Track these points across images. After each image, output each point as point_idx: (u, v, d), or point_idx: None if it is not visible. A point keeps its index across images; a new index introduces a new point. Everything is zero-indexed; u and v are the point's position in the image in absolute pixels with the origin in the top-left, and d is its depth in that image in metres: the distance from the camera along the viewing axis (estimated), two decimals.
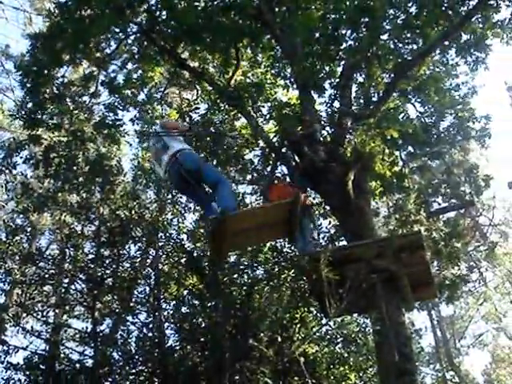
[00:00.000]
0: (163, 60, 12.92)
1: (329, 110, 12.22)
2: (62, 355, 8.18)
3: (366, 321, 9.15)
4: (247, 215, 7.06)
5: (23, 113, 11.90)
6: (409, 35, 11.18)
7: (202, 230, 9.10)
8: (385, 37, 11.13)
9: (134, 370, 7.86)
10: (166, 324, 8.27)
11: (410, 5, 10.83)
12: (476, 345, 27.03)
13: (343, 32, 10.82)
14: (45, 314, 9.03)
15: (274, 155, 11.57)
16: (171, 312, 8.47)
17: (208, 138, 11.78)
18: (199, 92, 14.46)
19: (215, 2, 12.01)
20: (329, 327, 8.40)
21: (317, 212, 11.75)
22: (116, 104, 12.85)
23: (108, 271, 8.80)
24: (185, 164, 7.17)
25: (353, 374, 8.35)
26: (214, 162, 12.17)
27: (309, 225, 9.81)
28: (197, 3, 11.93)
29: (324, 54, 10.66)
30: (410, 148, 13.16)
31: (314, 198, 11.45)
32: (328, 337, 8.40)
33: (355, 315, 9.39)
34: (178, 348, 7.95)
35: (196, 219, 9.76)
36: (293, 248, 9.38)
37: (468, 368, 25.94)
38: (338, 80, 11.76)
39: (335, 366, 8.15)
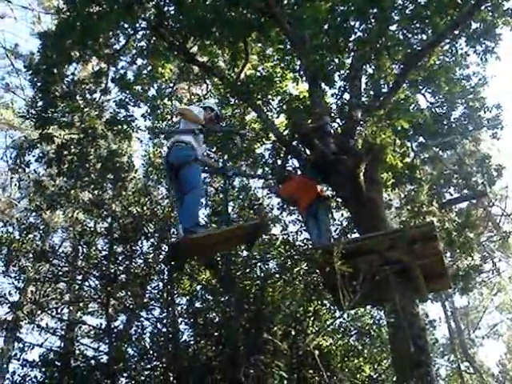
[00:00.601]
0: (172, 55, 12.95)
1: (339, 102, 12.21)
2: (77, 352, 8.19)
3: (380, 313, 9.13)
4: (207, 238, 6.95)
5: (34, 112, 11.97)
6: (418, 25, 11.10)
7: (214, 225, 9.10)
8: (394, 27, 11.08)
9: (148, 366, 7.87)
10: (180, 319, 8.26)
11: None
12: (491, 335, 26.92)
13: (352, 24, 10.76)
14: (59, 311, 9.04)
15: (284, 148, 11.58)
16: (185, 307, 8.46)
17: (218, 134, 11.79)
18: (209, 87, 14.49)
19: None
20: (343, 320, 8.37)
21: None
22: (127, 100, 12.92)
23: (121, 267, 8.81)
24: (170, 157, 7.16)
25: (367, 366, 8.34)
26: (225, 157, 12.20)
27: (324, 217, 9.82)
28: None
29: (333, 46, 10.61)
30: (421, 139, 13.11)
31: (325, 191, 11.44)
32: (342, 329, 8.37)
33: (369, 307, 9.37)
34: (192, 343, 7.95)
35: (208, 214, 9.77)
36: (305, 241, 9.38)
37: (483, 359, 25.86)
38: (347, 72, 11.73)
39: (349, 358, 8.13)
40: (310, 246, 8.76)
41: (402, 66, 10.89)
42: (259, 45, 13.60)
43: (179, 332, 8.12)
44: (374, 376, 8.46)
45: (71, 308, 10.41)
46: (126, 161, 10.92)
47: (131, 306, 8.69)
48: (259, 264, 8.51)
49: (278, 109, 13.07)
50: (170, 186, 8.11)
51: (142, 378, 7.79)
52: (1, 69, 20.72)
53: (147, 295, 8.71)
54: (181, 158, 7.06)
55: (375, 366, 8.47)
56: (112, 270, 8.70)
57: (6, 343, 13.03)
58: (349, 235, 11.53)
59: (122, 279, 8.75)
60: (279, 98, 13.25)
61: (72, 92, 12.43)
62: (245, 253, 8.60)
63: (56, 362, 7.79)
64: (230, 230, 7.14)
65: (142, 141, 14.52)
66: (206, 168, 8.11)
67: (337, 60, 11.32)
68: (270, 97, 13.09)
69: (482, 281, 19.61)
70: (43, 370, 7.69)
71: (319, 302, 7.99)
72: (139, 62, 13.45)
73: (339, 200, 11.56)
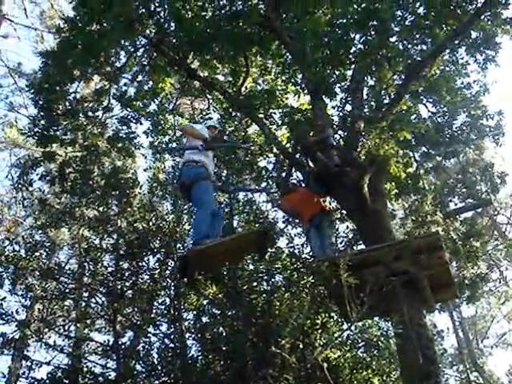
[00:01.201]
0: (173, 71, 13.02)
1: (341, 114, 12.25)
2: (85, 369, 8.15)
3: (388, 324, 9.08)
4: (214, 248, 7.08)
5: (37, 130, 12.03)
6: (418, 36, 11.16)
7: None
8: (394, 39, 11.13)
9: (156, 382, 7.84)
10: (188, 334, 8.25)
11: (417, 5, 10.82)
12: (499, 345, 26.77)
13: (352, 36, 10.82)
14: (66, 328, 9.04)
15: (287, 161, 11.60)
16: (192, 322, 8.44)
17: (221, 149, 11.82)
18: (211, 101, 14.55)
19: (222, 11, 12.11)
20: (350, 332, 8.31)
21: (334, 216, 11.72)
22: (129, 117, 12.98)
23: (128, 284, 8.81)
24: (182, 177, 7.52)
25: (376, 378, 8.27)
26: (229, 172, 12.23)
27: (327, 231, 9.80)
28: (204, 13, 12.05)
29: (334, 58, 10.67)
30: (424, 148, 13.13)
31: (330, 203, 11.44)
32: (350, 341, 8.30)
33: (376, 319, 9.33)
34: (200, 358, 7.92)
35: None
36: (311, 254, 9.38)
37: (492, 368, 25.67)
38: (348, 84, 11.77)
39: (358, 370, 8.07)
40: (316, 259, 8.76)
41: (403, 77, 10.93)
42: (260, 58, 13.65)
43: (187, 347, 8.10)
44: None
45: (78, 325, 10.37)
46: (130, 177, 10.93)
47: (138, 322, 8.68)
48: (265, 277, 8.50)
49: (280, 122, 13.11)
50: (187, 204, 8.37)
51: None
52: (5, 87, 20.78)
53: (154, 311, 8.71)
54: (191, 177, 7.38)
55: (384, 378, 8.40)
56: (118, 287, 8.70)
57: (13, 362, 13.02)
58: (354, 247, 11.53)
59: (129, 295, 8.75)
60: (281, 111, 13.29)
61: (74, 110, 12.50)
62: (251, 266, 8.60)
63: (64, 380, 7.76)
64: (235, 238, 7.25)
65: (146, 157, 14.55)
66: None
67: (338, 72, 11.36)
68: (271, 110, 13.13)
69: (489, 290, 19.54)
70: None
71: (326, 315, 7.95)
72: (140, 78, 13.53)
73: (344, 212, 11.55)
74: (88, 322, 9.61)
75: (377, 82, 11.81)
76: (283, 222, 12.39)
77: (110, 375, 8.14)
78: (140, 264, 8.87)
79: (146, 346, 8.23)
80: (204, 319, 8.35)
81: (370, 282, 6.93)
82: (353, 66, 11.45)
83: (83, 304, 9.38)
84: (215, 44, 11.74)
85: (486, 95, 12.99)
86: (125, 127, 12.94)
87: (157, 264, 8.93)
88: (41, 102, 12.03)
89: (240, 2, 12.36)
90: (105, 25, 11.45)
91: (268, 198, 13.53)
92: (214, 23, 11.61)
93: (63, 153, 12.51)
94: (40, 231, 10.35)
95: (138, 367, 8.07)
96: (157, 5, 12.03)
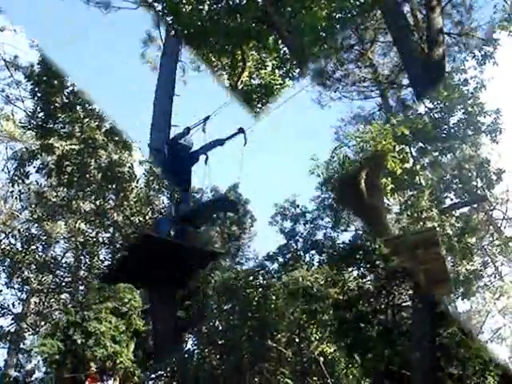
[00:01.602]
0: None
1: None
2: None
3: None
4: None
5: (34, 123, 11.98)
6: None
7: None
8: None
9: (153, 376, 7.87)
10: None
11: None
12: (494, 339, 26.79)
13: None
14: None
15: None
16: None
17: None
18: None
19: (220, 5, 12.05)
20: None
21: None
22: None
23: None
24: None
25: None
26: None
27: None
28: (201, 7, 11.99)
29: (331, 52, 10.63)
30: (421, 144, 13.07)
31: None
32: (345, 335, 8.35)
33: None
34: (196, 352, 7.95)
35: None
36: None
37: None
38: None
39: (353, 364, 8.11)
40: None
41: None
42: (256, 53, 13.59)
43: (184, 341, 8.12)
44: None
45: None
46: (127, 170, 10.91)
47: None
48: (262, 271, 8.52)
49: None
50: None
51: None
52: (1, 80, 20.62)
53: None
54: None
55: None
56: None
57: (9, 355, 12.99)
58: None
59: None
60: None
61: (72, 103, 12.44)
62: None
63: None
64: None
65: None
66: None
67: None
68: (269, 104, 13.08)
69: (484, 285, 19.51)
70: None
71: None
72: None
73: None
74: None
75: None
76: None
77: None
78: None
79: None
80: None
81: None
82: None
83: (80, 297, 9.37)
84: (212, 38, 11.69)
85: (482, 92, 12.92)
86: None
87: None
88: (39, 95, 11.97)
89: None
90: None
91: None
92: (211, 17, 11.56)
93: (60, 146, 12.45)
94: (36, 224, 10.35)
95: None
96: None
